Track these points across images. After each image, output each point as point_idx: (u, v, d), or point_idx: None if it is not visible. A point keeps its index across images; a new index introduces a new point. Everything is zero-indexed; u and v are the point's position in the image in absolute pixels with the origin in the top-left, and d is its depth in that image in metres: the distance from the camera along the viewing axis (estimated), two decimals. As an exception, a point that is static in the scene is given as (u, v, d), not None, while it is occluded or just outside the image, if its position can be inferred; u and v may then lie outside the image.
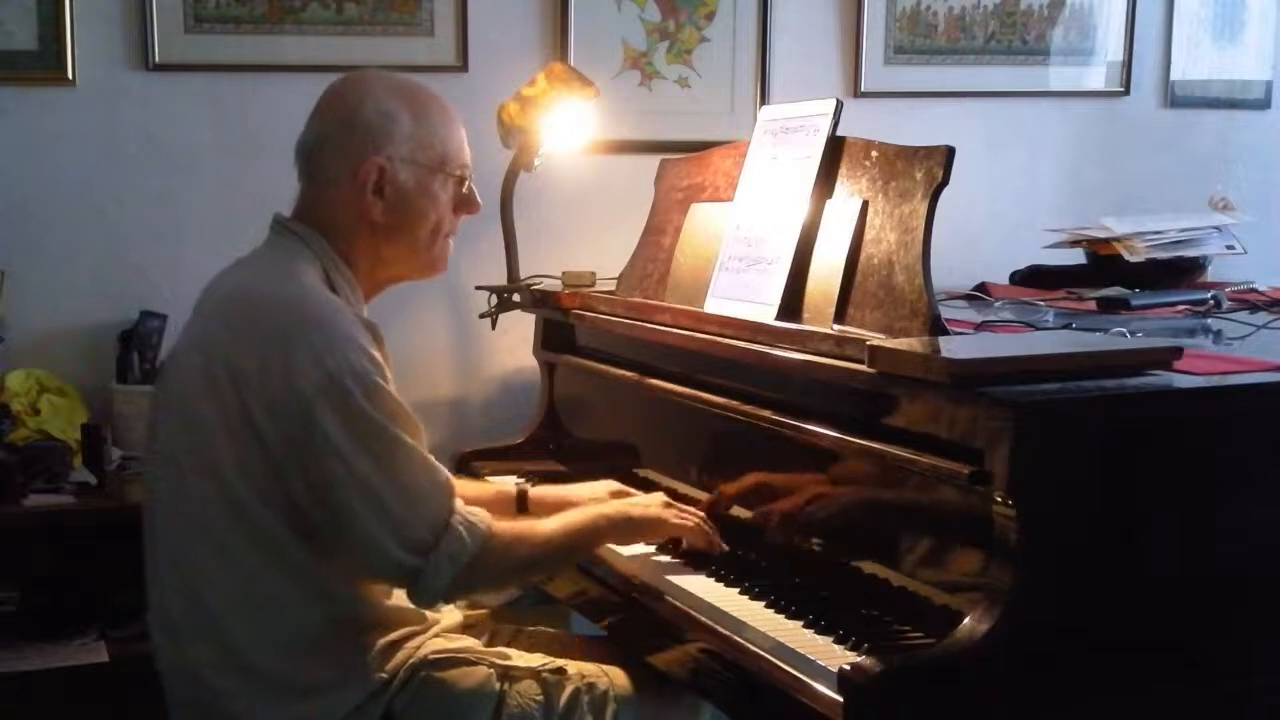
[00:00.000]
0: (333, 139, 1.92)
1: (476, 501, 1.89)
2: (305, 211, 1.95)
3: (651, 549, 2.12)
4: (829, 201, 2.10)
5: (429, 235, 1.96)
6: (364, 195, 1.90)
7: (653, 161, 2.69)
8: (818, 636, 1.72)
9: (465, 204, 2.01)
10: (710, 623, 1.82)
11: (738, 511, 2.12)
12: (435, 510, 1.79)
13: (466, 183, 2.00)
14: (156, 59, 2.92)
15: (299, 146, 1.96)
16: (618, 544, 2.09)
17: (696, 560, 2.04)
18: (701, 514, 2.08)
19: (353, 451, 1.74)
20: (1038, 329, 2.27)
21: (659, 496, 2.12)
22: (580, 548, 2.01)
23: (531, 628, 2.23)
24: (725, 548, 2.04)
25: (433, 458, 1.84)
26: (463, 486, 1.89)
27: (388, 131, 1.90)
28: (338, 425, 1.74)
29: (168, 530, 1.85)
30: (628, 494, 2.21)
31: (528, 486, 2.31)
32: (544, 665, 1.99)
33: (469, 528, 1.80)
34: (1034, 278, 3.00)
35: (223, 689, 1.81)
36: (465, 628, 2.08)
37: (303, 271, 1.87)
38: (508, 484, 2.36)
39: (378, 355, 1.82)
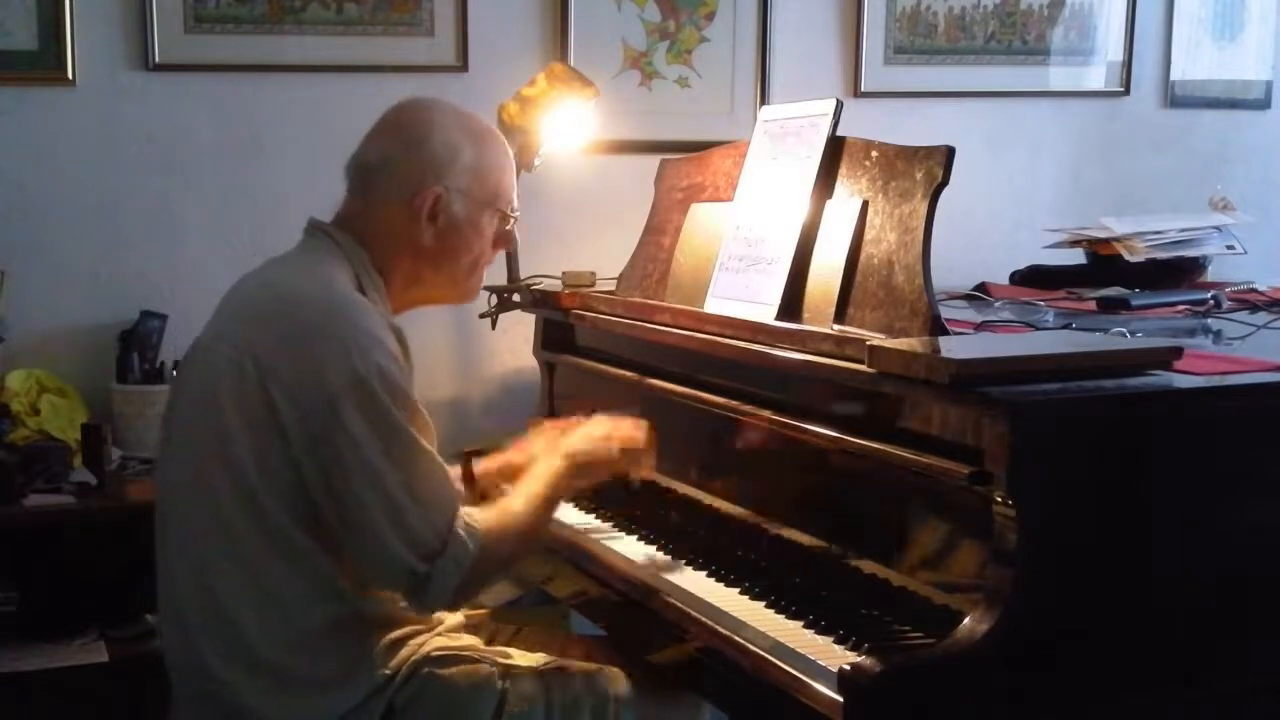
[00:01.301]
0: (396, 161, 1.96)
1: None
2: (349, 222, 1.97)
3: (652, 549, 2.12)
4: (829, 201, 2.10)
5: (469, 265, 2.02)
6: (417, 220, 1.94)
7: (653, 161, 2.69)
8: (818, 636, 1.72)
9: (504, 239, 2.07)
10: (710, 623, 1.83)
11: (738, 511, 2.12)
12: (444, 517, 1.81)
13: (511, 221, 2.05)
14: (156, 59, 2.92)
15: (356, 161, 1.99)
16: (582, 485, 2.06)
17: (695, 560, 2.04)
18: (642, 427, 2.08)
19: (374, 452, 1.76)
20: (1038, 329, 2.27)
21: (598, 428, 2.07)
22: (548, 514, 1.99)
23: (532, 627, 2.23)
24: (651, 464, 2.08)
25: (445, 466, 1.86)
26: None
27: (450, 162, 1.95)
28: (361, 424, 1.76)
29: (180, 522, 1.86)
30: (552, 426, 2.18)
31: (473, 454, 2.30)
32: (544, 665, 1.99)
33: (470, 532, 1.82)
34: (1034, 278, 3.00)
35: (230, 682, 1.81)
36: (466, 627, 2.09)
37: (335, 274, 1.90)
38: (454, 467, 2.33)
39: (402, 359, 1.84)
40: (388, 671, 1.87)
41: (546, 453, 2.06)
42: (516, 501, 1.96)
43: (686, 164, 2.55)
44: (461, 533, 1.81)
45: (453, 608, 1.94)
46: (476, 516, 1.85)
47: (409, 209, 1.94)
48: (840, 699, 1.54)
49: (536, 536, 2.00)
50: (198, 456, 1.83)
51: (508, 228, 2.06)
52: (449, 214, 1.96)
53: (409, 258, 1.97)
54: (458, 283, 2.05)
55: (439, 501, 1.81)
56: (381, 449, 1.77)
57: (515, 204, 2.07)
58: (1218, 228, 3.04)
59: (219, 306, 1.94)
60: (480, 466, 2.28)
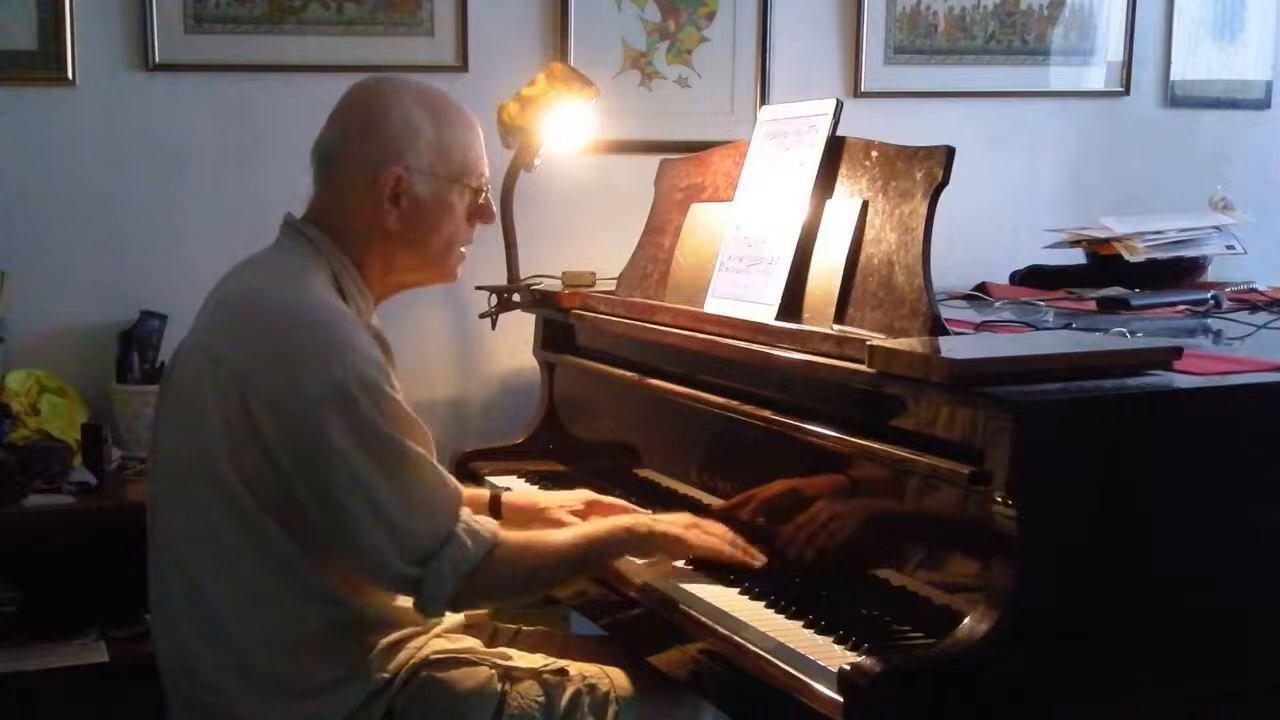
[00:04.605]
0: (353, 145, 1.91)
1: None
2: (318, 215, 1.94)
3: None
4: (829, 201, 2.10)
5: (443, 246, 1.97)
6: (380, 204, 1.90)
7: (653, 161, 2.69)
8: (818, 636, 1.72)
9: (480, 214, 2.01)
10: (710, 622, 1.82)
11: (738, 512, 2.11)
12: (440, 519, 1.78)
13: (483, 194, 2.00)
14: (156, 59, 2.92)
15: (316, 148, 1.95)
16: (638, 557, 2.03)
17: (696, 560, 2.03)
18: (726, 531, 2.00)
19: (359, 459, 1.74)
20: (1038, 329, 2.27)
21: (686, 516, 2.04)
22: (595, 559, 1.96)
23: (532, 628, 2.23)
24: (763, 559, 1.96)
25: (441, 467, 1.83)
26: None
27: (409, 142, 1.90)
28: (345, 433, 1.73)
29: (169, 529, 1.85)
30: (600, 502, 2.21)
31: (501, 492, 2.31)
32: (545, 665, 1.98)
33: (473, 536, 1.79)
34: (1034, 278, 3.00)
35: (223, 688, 1.81)
36: (466, 628, 2.08)
37: (312, 276, 1.86)
38: (480, 491, 2.34)
39: (385, 364, 1.82)
40: (386, 675, 1.87)
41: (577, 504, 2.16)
42: (564, 532, 1.94)
43: (686, 164, 2.55)
44: (463, 535, 1.78)
45: (456, 610, 1.92)
46: (492, 525, 1.82)
47: (371, 193, 1.89)
48: (840, 699, 1.54)
49: (570, 570, 1.93)
50: (182, 466, 1.82)
51: (481, 201, 1.99)
52: (412, 195, 1.90)
53: (380, 244, 1.93)
54: (434, 264, 1.98)
55: (433, 504, 1.79)
56: (368, 457, 1.74)
57: (486, 175, 2.00)
58: (1218, 228, 3.04)
59: (200, 311, 1.92)
60: (508, 500, 2.27)
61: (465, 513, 1.81)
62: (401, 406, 1.80)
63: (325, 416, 1.73)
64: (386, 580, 1.80)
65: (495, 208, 2.04)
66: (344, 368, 1.75)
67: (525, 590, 1.97)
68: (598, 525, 1.99)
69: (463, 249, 2.01)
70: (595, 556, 1.95)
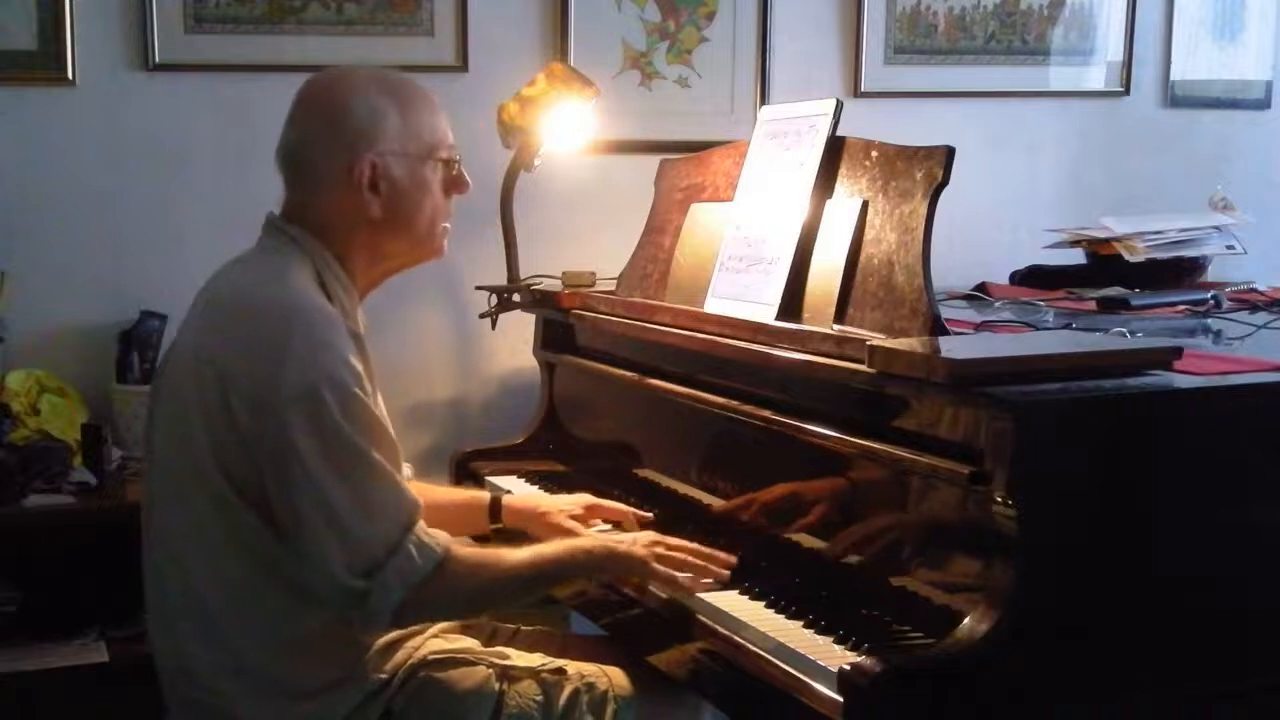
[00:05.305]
0: (320, 140, 1.89)
1: (446, 507, 1.83)
2: (296, 214, 1.92)
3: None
4: (829, 201, 2.10)
5: (428, 224, 1.94)
6: (360, 194, 1.88)
7: (653, 161, 2.69)
8: (818, 636, 1.72)
9: (455, 184, 1.98)
10: (710, 623, 1.83)
11: (738, 512, 2.11)
12: (390, 529, 1.74)
13: (455, 165, 1.98)
14: (156, 59, 2.92)
15: (281, 152, 1.93)
16: (596, 578, 2.04)
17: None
18: (691, 548, 1.97)
19: (317, 462, 1.72)
20: (1038, 329, 2.27)
21: (648, 535, 2.01)
22: (552, 579, 1.96)
23: (531, 627, 2.23)
24: (725, 574, 1.94)
25: (401, 479, 1.80)
26: (432, 492, 1.85)
27: (377, 128, 1.88)
28: (307, 434, 1.72)
29: (165, 528, 1.85)
30: (599, 506, 2.21)
31: (501, 495, 2.31)
32: (543, 665, 1.98)
33: (422, 549, 1.75)
34: (1034, 278, 3.00)
35: (220, 689, 1.81)
36: (464, 628, 2.08)
37: (294, 274, 1.85)
38: (481, 494, 2.34)
39: (359, 365, 1.79)
40: (384, 675, 1.87)
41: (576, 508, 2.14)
42: (521, 551, 1.91)
43: (686, 164, 2.55)
44: (412, 548, 1.74)
45: (399, 625, 1.86)
46: (444, 538, 1.79)
47: (349, 186, 1.87)
48: (840, 699, 1.54)
49: (524, 589, 1.92)
50: (172, 466, 1.82)
51: (454, 172, 1.97)
52: (390, 179, 1.88)
53: (365, 234, 1.90)
54: (422, 244, 1.96)
55: (387, 514, 1.75)
56: (326, 460, 1.72)
57: (454, 145, 1.97)
58: (1218, 228, 3.04)
59: (189, 311, 1.91)
60: (508, 504, 2.27)
61: (420, 525, 1.78)
62: (370, 412, 1.78)
63: (292, 415, 1.71)
64: (333, 593, 1.75)
65: (471, 182, 1.99)
66: (317, 367, 1.73)
67: (474, 607, 1.97)
68: (555, 545, 1.96)
69: (446, 224, 1.98)
70: (550, 577, 1.94)
